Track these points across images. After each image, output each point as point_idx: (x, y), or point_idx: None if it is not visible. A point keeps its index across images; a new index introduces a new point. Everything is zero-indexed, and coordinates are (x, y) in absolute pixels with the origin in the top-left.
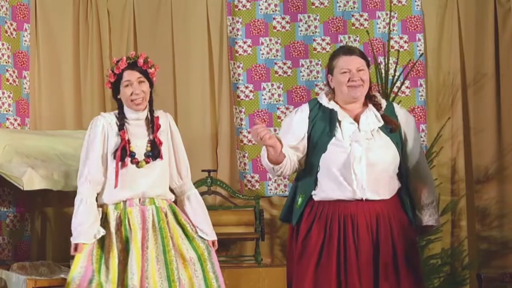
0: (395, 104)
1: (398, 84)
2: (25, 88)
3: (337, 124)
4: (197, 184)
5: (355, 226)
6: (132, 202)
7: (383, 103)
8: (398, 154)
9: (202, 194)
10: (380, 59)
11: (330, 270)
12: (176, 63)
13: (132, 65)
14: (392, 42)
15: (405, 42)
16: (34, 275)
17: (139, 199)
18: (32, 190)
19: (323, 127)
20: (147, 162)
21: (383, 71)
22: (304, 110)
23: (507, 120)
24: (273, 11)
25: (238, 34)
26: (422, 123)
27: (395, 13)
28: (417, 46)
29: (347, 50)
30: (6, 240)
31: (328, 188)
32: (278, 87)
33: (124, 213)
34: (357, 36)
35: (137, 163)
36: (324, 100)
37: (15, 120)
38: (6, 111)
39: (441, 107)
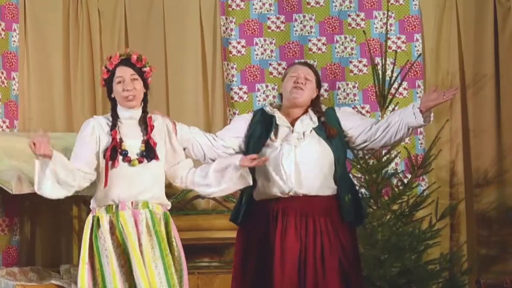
0: (336, 108)
1: (395, 85)
2: (14, 89)
3: (274, 128)
4: None
5: (284, 223)
6: (124, 205)
7: (324, 110)
8: (332, 152)
9: (195, 198)
10: (377, 59)
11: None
12: (169, 64)
13: (125, 61)
14: (389, 43)
15: (403, 42)
16: (23, 281)
17: (132, 202)
18: (21, 194)
19: (260, 131)
20: (140, 162)
21: (380, 72)
22: (249, 115)
23: (507, 122)
24: (267, 11)
25: (231, 34)
26: None
27: (393, 13)
28: (415, 46)
29: (302, 62)
30: None
31: (263, 185)
32: (273, 89)
33: (116, 216)
34: (354, 36)
35: (130, 162)
36: (267, 108)
37: (4, 122)
38: None
39: (439, 109)
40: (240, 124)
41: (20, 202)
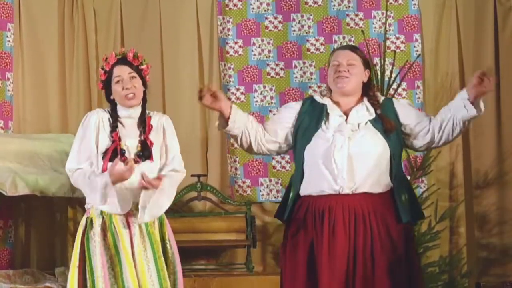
0: (394, 100)
1: (394, 86)
2: (8, 90)
3: (325, 117)
4: (187, 189)
5: (331, 222)
6: None
7: (380, 98)
8: (388, 147)
9: (191, 199)
10: (376, 60)
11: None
12: (165, 64)
13: (122, 60)
14: (388, 43)
15: (402, 42)
16: (18, 283)
17: None
18: (15, 196)
19: (310, 120)
20: (136, 162)
21: (379, 72)
22: (297, 104)
23: (507, 123)
24: (265, 11)
25: (229, 34)
26: None
27: (392, 13)
28: (414, 46)
29: (343, 46)
30: None
31: (311, 179)
32: (271, 89)
33: (110, 219)
34: (352, 36)
35: (124, 161)
36: (317, 96)
37: None
38: None
39: (438, 110)
40: (287, 115)
41: (15, 204)
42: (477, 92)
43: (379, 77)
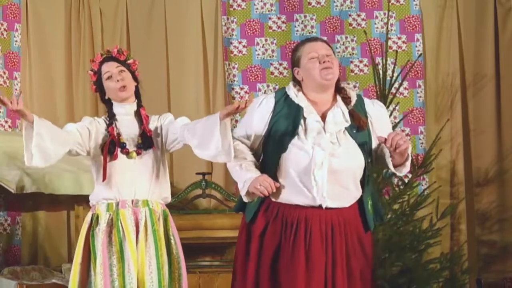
0: (364, 99)
1: (396, 85)
2: (16, 89)
3: (302, 121)
4: (192, 187)
5: (308, 234)
6: (124, 204)
7: (353, 96)
8: (363, 158)
9: (196, 197)
10: (378, 59)
11: (278, 275)
12: (170, 63)
13: (108, 57)
14: (390, 43)
15: (404, 42)
16: (25, 280)
17: (132, 201)
18: (23, 193)
19: (286, 124)
20: (138, 153)
21: (381, 72)
22: (269, 102)
23: (508, 122)
24: (268, 11)
25: (233, 34)
26: (420, 125)
27: (393, 13)
28: (416, 46)
29: (310, 38)
30: None
31: (287, 190)
32: (274, 88)
33: (117, 215)
34: (355, 36)
35: (128, 153)
36: (291, 92)
37: (6, 122)
38: None
39: (440, 109)
40: (257, 116)
41: (23, 201)
42: (396, 155)
43: (381, 76)
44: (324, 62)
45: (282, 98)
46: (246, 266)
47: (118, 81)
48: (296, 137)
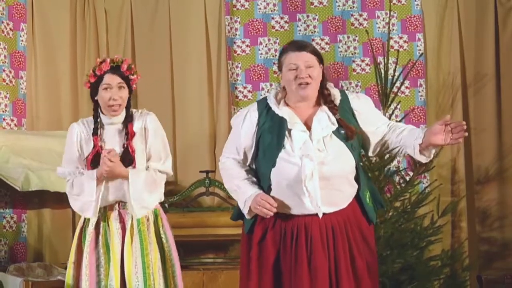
0: (349, 95)
1: (397, 84)
2: (21, 88)
3: (287, 133)
4: (195, 185)
5: (308, 241)
6: (111, 207)
7: (337, 95)
8: (354, 157)
9: (200, 195)
10: (380, 59)
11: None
12: (174, 63)
13: (115, 69)
14: (391, 42)
15: (405, 42)
16: (30, 276)
17: (119, 203)
18: (29, 191)
19: (271, 138)
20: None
21: (382, 71)
22: (252, 116)
23: (508, 120)
24: (271, 11)
25: (236, 34)
26: (422, 124)
27: (395, 13)
28: (417, 46)
29: (296, 46)
30: (3, 241)
31: (281, 203)
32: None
33: (104, 217)
34: (356, 36)
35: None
36: (273, 103)
37: (12, 120)
38: (3, 111)
39: (441, 108)
40: (244, 131)
41: (28, 199)
42: (434, 141)
43: (382, 75)
44: (301, 77)
45: (265, 111)
46: (248, 279)
47: (115, 99)
48: (283, 150)
